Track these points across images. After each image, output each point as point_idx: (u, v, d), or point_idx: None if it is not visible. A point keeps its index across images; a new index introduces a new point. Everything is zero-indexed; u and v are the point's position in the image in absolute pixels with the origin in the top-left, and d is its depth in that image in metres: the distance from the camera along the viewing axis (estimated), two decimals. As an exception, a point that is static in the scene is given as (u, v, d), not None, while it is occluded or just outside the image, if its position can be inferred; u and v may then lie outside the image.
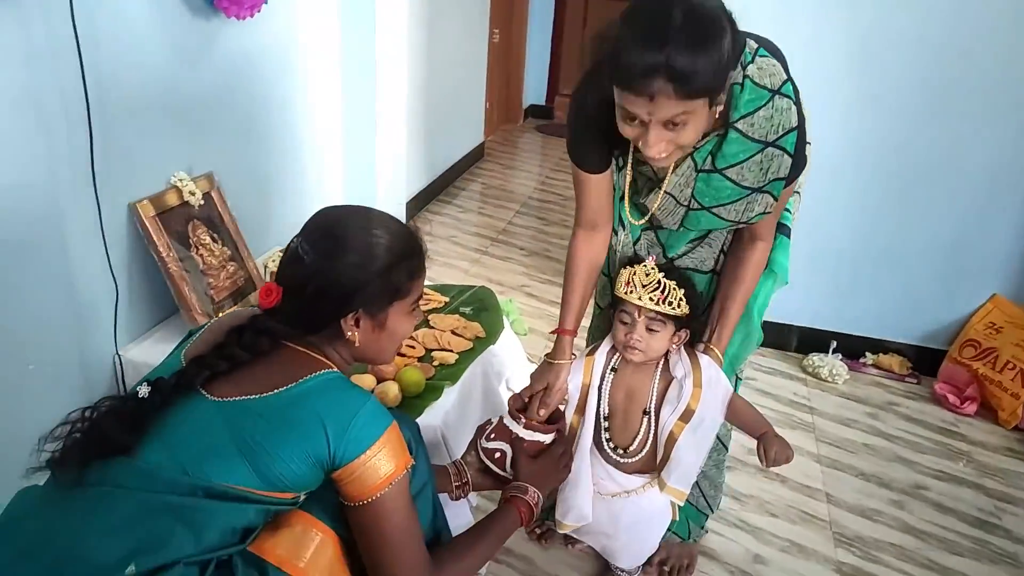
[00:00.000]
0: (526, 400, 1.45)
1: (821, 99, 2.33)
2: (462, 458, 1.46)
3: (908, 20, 2.26)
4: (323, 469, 1.05)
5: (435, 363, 1.89)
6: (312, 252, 1.10)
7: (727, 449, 1.70)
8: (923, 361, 2.62)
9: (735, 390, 1.57)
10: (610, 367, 1.44)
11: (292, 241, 1.13)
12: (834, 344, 2.63)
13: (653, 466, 1.45)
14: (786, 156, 1.22)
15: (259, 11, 2.04)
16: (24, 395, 1.57)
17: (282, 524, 1.08)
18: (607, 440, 1.47)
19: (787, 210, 1.45)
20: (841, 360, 2.61)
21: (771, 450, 1.32)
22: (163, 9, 1.79)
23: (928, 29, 2.26)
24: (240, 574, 1.01)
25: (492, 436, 1.41)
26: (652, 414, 1.42)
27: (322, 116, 2.65)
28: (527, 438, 1.40)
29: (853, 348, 2.65)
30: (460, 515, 1.66)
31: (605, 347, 1.46)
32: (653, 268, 1.34)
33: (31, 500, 1.03)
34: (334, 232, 1.11)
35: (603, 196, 1.39)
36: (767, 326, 2.68)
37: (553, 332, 1.48)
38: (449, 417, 1.73)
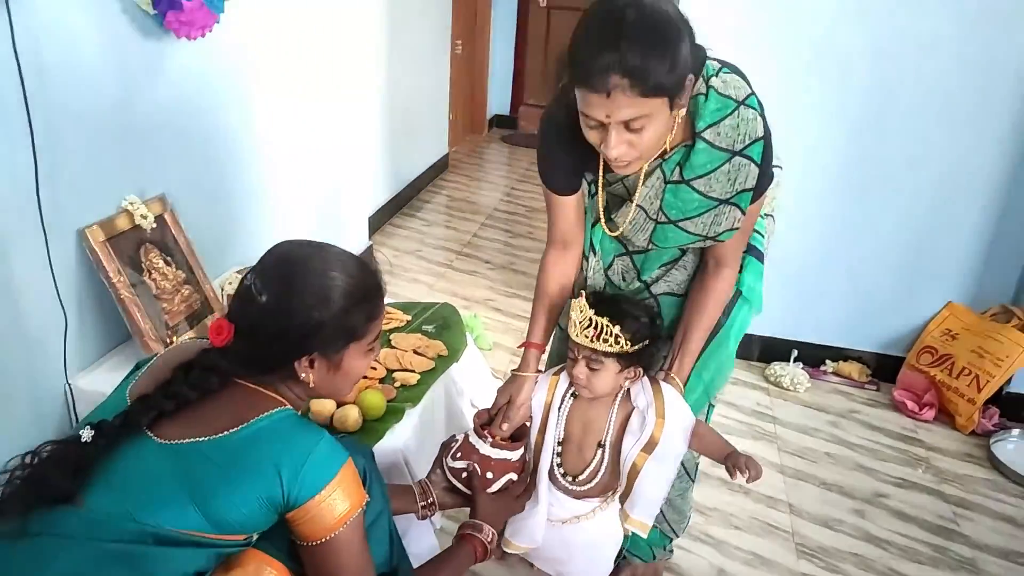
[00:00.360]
0: (492, 415, 1.44)
1: (778, 113, 2.36)
2: (427, 477, 1.45)
3: (859, 35, 2.31)
4: (276, 511, 1.03)
5: (396, 384, 1.87)
6: (267, 293, 1.06)
7: (693, 480, 1.69)
8: (882, 368, 2.66)
9: (708, 417, 1.58)
10: (569, 392, 1.43)
11: (246, 277, 1.10)
12: (795, 353, 2.66)
13: (602, 491, 1.44)
14: (753, 166, 1.22)
15: (210, 31, 2.01)
16: (-31, 429, 1.53)
17: (233, 565, 1.06)
18: (558, 466, 1.45)
19: (759, 232, 1.45)
20: (802, 368, 2.64)
21: (741, 462, 1.28)
22: (111, 31, 1.76)
23: (879, 43, 2.30)
24: None
25: (458, 455, 1.39)
26: (607, 448, 1.40)
27: (281, 132, 2.62)
28: (494, 457, 1.38)
29: (814, 356, 2.68)
30: (424, 537, 1.65)
31: (566, 374, 1.46)
32: (584, 305, 1.31)
33: None
34: (290, 273, 1.09)
35: (573, 216, 1.41)
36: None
37: (520, 346, 1.48)
38: (411, 440, 1.71)
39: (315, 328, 1.07)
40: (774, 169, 1.42)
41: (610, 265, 1.48)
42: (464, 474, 1.38)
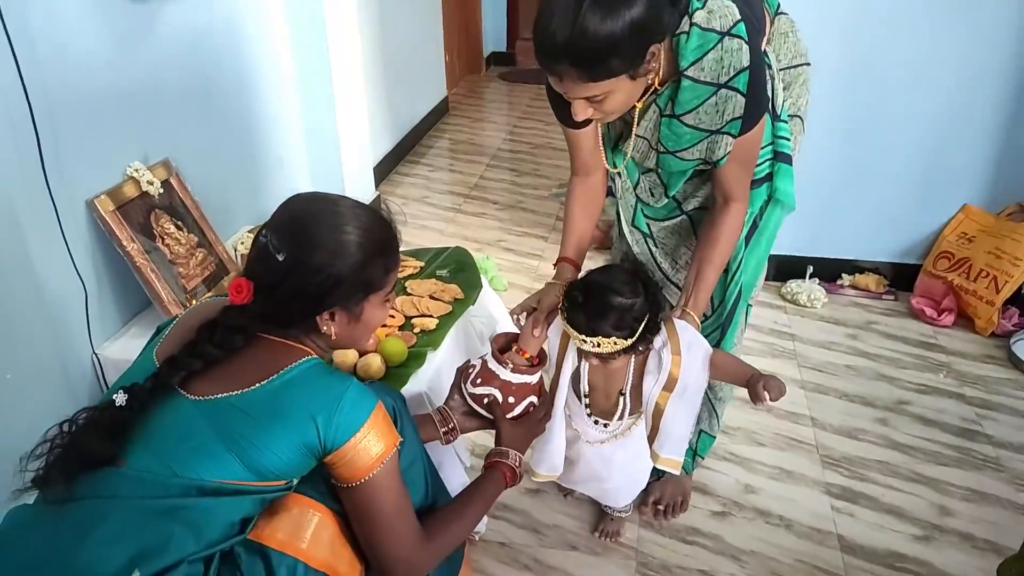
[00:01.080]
0: (510, 339, 1.44)
1: (796, 15, 2.31)
2: (445, 403, 1.47)
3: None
4: (315, 456, 1.06)
5: (416, 330, 1.89)
6: (283, 251, 1.07)
7: (719, 418, 1.72)
8: (899, 277, 2.65)
9: (747, 316, 1.60)
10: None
11: (260, 235, 1.10)
12: (811, 269, 2.65)
13: (637, 409, 1.46)
14: (739, 96, 1.23)
15: (197, -13, 1.97)
16: (6, 406, 1.56)
17: (279, 509, 1.09)
18: (588, 415, 1.48)
19: (785, 138, 1.45)
20: (819, 284, 2.64)
21: (760, 384, 1.25)
22: (95, -5, 1.73)
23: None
24: (243, 563, 1.02)
25: (479, 381, 1.40)
26: (629, 393, 1.42)
27: (277, 88, 2.59)
28: (514, 382, 1.40)
29: (830, 271, 2.68)
30: (455, 476, 1.69)
31: None
32: (577, 335, 1.28)
33: (23, 519, 1.03)
34: (305, 230, 1.09)
35: (591, 145, 1.45)
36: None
37: (555, 263, 1.50)
38: (434, 383, 1.73)
39: (334, 284, 1.08)
40: (803, 67, 1.48)
41: (637, 183, 1.52)
42: (486, 400, 1.39)
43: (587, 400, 1.48)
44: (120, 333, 1.87)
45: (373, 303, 1.16)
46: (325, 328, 1.12)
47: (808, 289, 2.61)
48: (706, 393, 1.54)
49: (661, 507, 1.75)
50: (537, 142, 4.34)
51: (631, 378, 1.41)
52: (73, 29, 1.68)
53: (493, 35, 5.99)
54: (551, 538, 1.71)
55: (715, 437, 1.79)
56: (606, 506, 1.70)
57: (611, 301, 1.26)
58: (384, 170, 3.80)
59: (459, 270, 2.22)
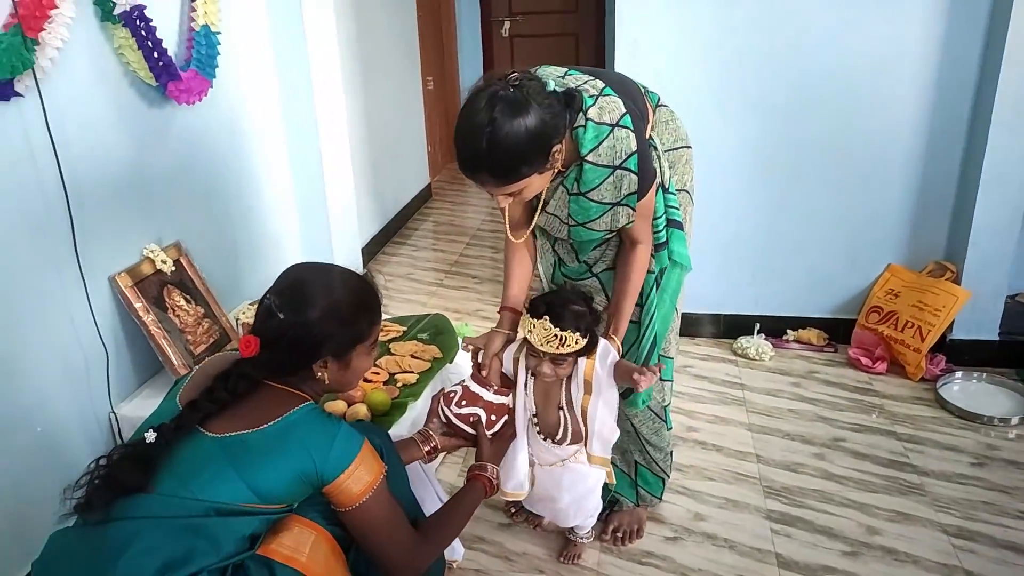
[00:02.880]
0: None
1: (714, 108, 2.71)
2: (425, 426, 1.70)
3: (778, 31, 2.60)
4: (312, 486, 1.27)
5: (399, 384, 2.14)
6: (284, 310, 1.30)
7: (664, 420, 1.94)
8: (837, 331, 2.92)
9: (667, 369, 1.86)
10: (530, 372, 1.68)
11: (265, 298, 1.34)
12: (758, 326, 2.92)
13: (576, 441, 1.71)
14: (632, 175, 1.50)
15: (206, 95, 2.30)
16: (35, 455, 1.78)
17: (282, 528, 1.28)
18: (537, 432, 1.72)
19: (675, 207, 1.72)
20: (765, 339, 2.90)
21: (636, 370, 1.51)
22: (122, 105, 2.05)
23: (792, 40, 2.60)
24: (252, 573, 1.21)
25: (464, 403, 1.64)
26: (565, 409, 1.67)
27: (274, 179, 2.91)
28: (495, 401, 1.65)
29: (776, 327, 2.95)
30: (432, 503, 1.90)
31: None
32: (549, 326, 1.54)
33: (66, 540, 1.23)
34: (302, 293, 1.32)
35: (518, 212, 1.70)
36: (699, 317, 2.98)
37: (499, 311, 1.76)
38: (415, 428, 1.97)
39: (327, 337, 1.32)
40: (684, 149, 1.74)
41: (555, 243, 1.78)
42: (472, 419, 1.63)
43: (535, 420, 1.72)
44: (135, 394, 2.10)
45: (360, 352, 1.40)
46: (320, 374, 1.35)
47: (756, 344, 2.87)
48: (636, 434, 1.87)
49: (619, 534, 1.96)
50: (514, 222, 4.65)
51: (564, 393, 1.66)
52: (103, 134, 1.99)
53: (473, 126, 6.41)
54: (520, 564, 1.91)
55: (662, 479, 2.00)
56: (569, 532, 1.91)
57: (571, 307, 1.57)
58: (372, 251, 4.10)
59: (438, 333, 2.48)
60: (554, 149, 1.42)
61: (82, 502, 1.20)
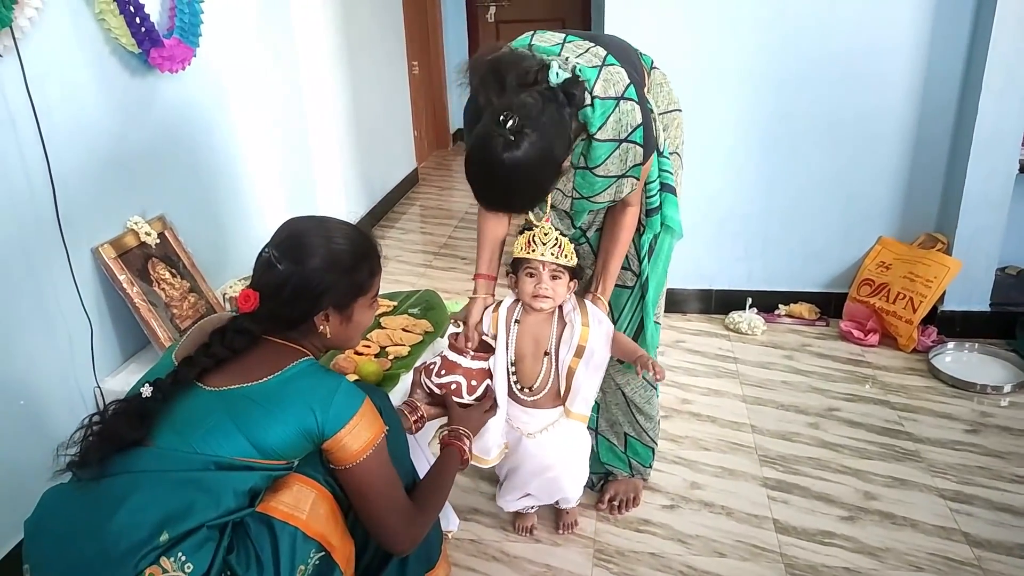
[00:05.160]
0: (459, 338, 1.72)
1: (714, 81, 2.68)
2: (410, 397, 1.68)
3: (770, 5, 2.59)
4: (312, 441, 1.23)
5: (390, 357, 2.10)
6: (284, 260, 1.27)
7: (656, 389, 1.94)
8: (829, 305, 2.91)
9: (657, 333, 1.85)
10: (514, 319, 1.68)
11: (263, 251, 1.31)
12: (750, 301, 2.91)
13: (558, 401, 1.69)
14: (638, 147, 1.49)
15: (189, 64, 2.26)
16: (18, 430, 1.74)
17: (282, 486, 1.25)
18: (515, 383, 1.70)
19: (668, 171, 1.71)
20: (757, 314, 2.89)
21: (646, 361, 1.55)
22: (105, 72, 2.00)
23: (789, 11, 2.59)
24: (252, 530, 1.18)
25: (443, 372, 1.63)
26: (553, 354, 1.66)
27: (260, 154, 2.86)
28: (474, 367, 1.64)
29: (767, 302, 2.94)
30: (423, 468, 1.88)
31: (507, 303, 1.71)
32: (550, 228, 1.59)
33: (61, 496, 1.18)
34: (301, 243, 1.29)
35: None
36: (691, 293, 2.96)
37: (472, 278, 1.77)
38: (406, 399, 1.94)
39: (329, 287, 1.29)
40: (676, 112, 1.73)
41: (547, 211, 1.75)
42: (453, 385, 1.62)
43: (514, 369, 1.69)
44: (120, 368, 2.06)
45: (361, 305, 1.37)
46: (321, 328, 1.32)
47: (748, 319, 2.86)
48: (628, 404, 1.87)
49: (616, 503, 1.94)
50: (502, 206, 4.62)
51: (554, 341, 1.65)
52: (86, 102, 1.94)
53: (459, 113, 6.34)
54: (516, 534, 1.89)
55: (651, 448, 1.98)
56: (557, 505, 1.89)
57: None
58: (359, 234, 4.05)
59: (428, 308, 2.45)
60: (565, 165, 1.42)
61: (76, 459, 1.16)
